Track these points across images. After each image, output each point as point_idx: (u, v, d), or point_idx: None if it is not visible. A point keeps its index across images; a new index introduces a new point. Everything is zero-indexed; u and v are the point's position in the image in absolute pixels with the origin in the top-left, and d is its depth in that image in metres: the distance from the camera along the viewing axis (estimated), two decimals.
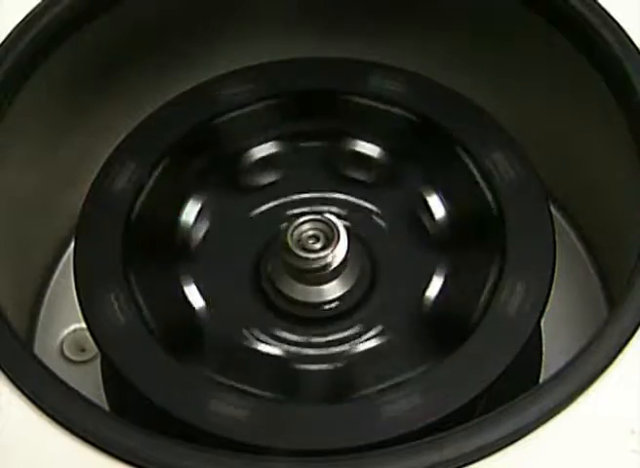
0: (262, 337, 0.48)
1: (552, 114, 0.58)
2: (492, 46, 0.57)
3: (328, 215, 0.47)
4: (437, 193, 0.50)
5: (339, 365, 0.47)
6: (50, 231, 0.61)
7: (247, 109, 0.52)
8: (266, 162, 0.52)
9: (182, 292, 0.49)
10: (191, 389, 0.44)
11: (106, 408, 0.53)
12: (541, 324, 0.48)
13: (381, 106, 0.51)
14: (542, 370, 0.54)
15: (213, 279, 0.50)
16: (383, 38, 0.58)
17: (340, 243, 0.46)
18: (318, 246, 0.47)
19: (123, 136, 0.52)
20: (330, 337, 0.48)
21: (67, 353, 0.60)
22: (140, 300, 0.48)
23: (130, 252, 0.48)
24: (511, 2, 0.53)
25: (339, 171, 0.52)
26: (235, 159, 0.52)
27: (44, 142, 0.56)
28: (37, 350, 0.59)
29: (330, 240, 0.46)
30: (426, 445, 0.40)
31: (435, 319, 0.48)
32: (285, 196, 0.52)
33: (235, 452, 0.40)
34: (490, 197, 0.48)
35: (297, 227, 0.47)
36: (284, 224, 0.49)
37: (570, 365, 0.41)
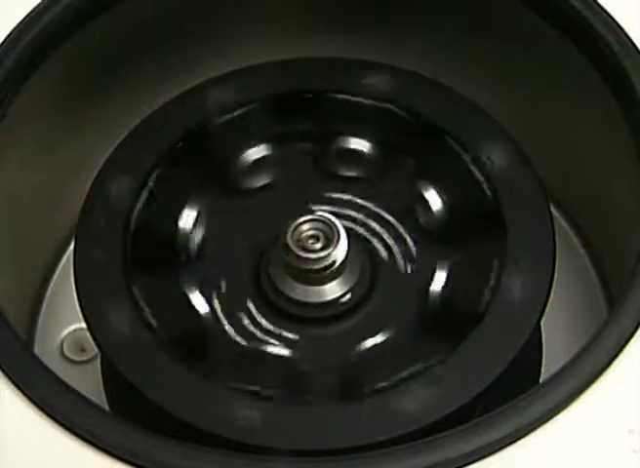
0: (262, 337, 0.49)
1: (552, 114, 0.58)
2: (492, 46, 0.57)
3: (328, 215, 0.47)
4: (432, 186, 0.50)
5: (340, 364, 0.47)
6: (50, 231, 0.61)
7: (234, 114, 0.52)
8: (259, 164, 0.52)
9: (184, 293, 0.49)
10: (191, 389, 0.44)
11: (106, 408, 0.53)
12: (541, 324, 0.48)
13: (369, 102, 0.51)
14: (542, 370, 0.54)
15: (212, 280, 0.50)
16: (383, 38, 0.59)
17: (340, 243, 0.46)
18: (318, 246, 0.47)
19: (119, 140, 0.52)
20: (332, 337, 0.48)
21: (67, 353, 0.60)
22: (141, 300, 0.48)
23: (130, 253, 0.48)
24: (511, 2, 0.53)
25: (331, 169, 0.52)
26: (227, 163, 0.52)
27: (44, 142, 0.56)
28: (37, 350, 0.59)
29: (330, 240, 0.46)
30: (426, 445, 0.40)
31: (438, 313, 0.48)
32: (280, 197, 0.52)
33: (235, 452, 0.40)
34: (485, 185, 0.48)
35: (297, 227, 0.47)
36: (284, 224, 0.49)
37: (570, 365, 0.41)
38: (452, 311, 0.48)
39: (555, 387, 0.40)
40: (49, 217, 0.60)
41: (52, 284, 0.62)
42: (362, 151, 0.52)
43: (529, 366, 0.53)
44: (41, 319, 0.61)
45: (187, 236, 0.50)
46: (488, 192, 0.49)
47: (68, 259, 0.61)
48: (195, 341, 0.48)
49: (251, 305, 0.49)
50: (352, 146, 0.52)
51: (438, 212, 0.50)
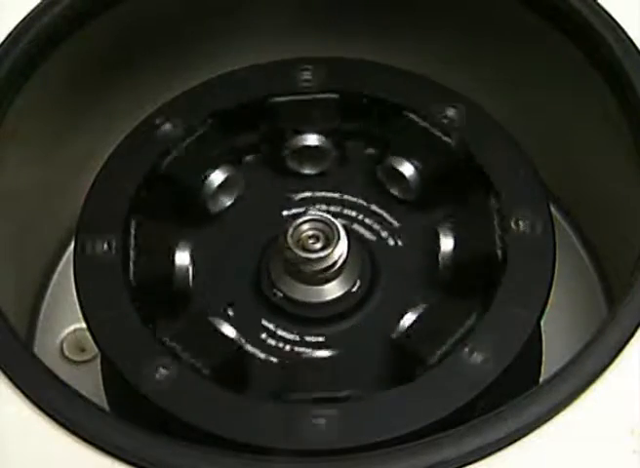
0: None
1: (552, 114, 0.58)
2: (492, 46, 0.57)
3: (328, 215, 0.47)
4: (401, 158, 0.50)
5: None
6: (50, 231, 0.61)
7: (184, 145, 0.51)
8: (225, 185, 0.51)
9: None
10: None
11: (106, 408, 0.53)
12: (541, 324, 0.48)
13: (434, 132, 0.51)
14: (542, 369, 0.54)
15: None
16: (383, 38, 0.59)
17: (340, 243, 0.46)
18: (318, 246, 0.47)
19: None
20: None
21: (67, 353, 0.60)
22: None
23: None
24: (511, 2, 0.53)
25: (294, 170, 0.52)
26: (195, 194, 0.51)
27: (44, 142, 0.56)
28: (37, 350, 0.59)
29: (330, 240, 0.46)
30: (426, 445, 0.40)
31: (452, 278, 0.48)
32: (253, 209, 0.52)
33: (235, 452, 0.40)
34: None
35: (297, 227, 0.47)
36: (267, 234, 0.49)
37: (570, 365, 0.41)
38: (464, 270, 0.48)
39: (555, 387, 0.40)
40: (49, 217, 0.60)
41: (52, 284, 0.62)
42: (317, 145, 0.52)
43: (529, 366, 0.53)
44: (41, 319, 0.61)
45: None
46: (452, 144, 0.49)
47: (68, 259, 0.61)
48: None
49: (265, 321, 0.49)
50: (306, 143, 0.52)
51: (413, 181, 0.50)
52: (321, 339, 0.48)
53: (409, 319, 0.47)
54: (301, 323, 0.49)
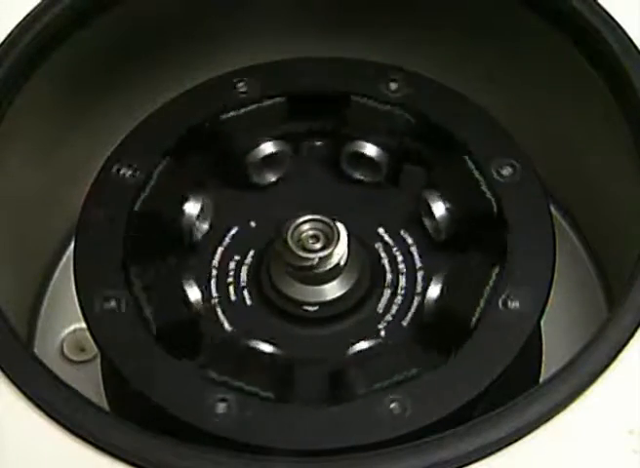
0: (261, 337, 0.49)
1: (552, 114, 0.58)
2: (492, 46, 0.57)
3: (328, 216, 0.47)
4: (438, 195, 0.50)
5: (337, 365, 0.47)
6: (50, 231, 0.61)
7: (251, 107, 0.52)
8: (269, 161, 0.52)
9: (183, 290, 0.49)
10: (191, 388, 0.44)
11: (106, 408, 0.53)
12: (541, 324, 0.48)
13: (385, 108, 0.51)
14: (542, 369, 0.54)
15: (214, 278, 0.50)
16: (383, 38, 0.59)
17: (340, 243, 0.46)
18: (318, 246, 0.47)
19: (123, 137, 0.52)
20: (329, 337, 0.48)
21: (67, 353, 0.60)
22: (141, 300, 0.48)
23: (131, 249, 0.48)
24: (511, 2, 0.53)
25: (341, 171, 0.52)
26: (238, 157, 0.51)
27: (44, 142, 0.56)
28: (37, 350, 0.59)
29: (330, 240, 0.46)
30: (426, 445, 0.40)
31: (434, 321, 0.48)
32: (287, 195, 0.52)
33: (235, 452, 0.40)
34: (491, 199, 0.48)
35: (297, 227, 0.47)
36: (284, 224, 0.49)
37: (570, 365, 0.41)
38: (446, 321, 0.48)
39: (555, 387, 0.40)
40: (49, 217, 0.60)
41: (52, 284, 0.62)
42: (374, 156, 0.51)
43: (529, 366, 0.53)
44: (41, 319, 0.61)
45: (192, 225, 0.50)
46: (492, 202, 0.49)
47: (68, 259, 0.61)
48: (194, 338, 0.48)
49: (248, 299, 0.49)
50: (364, 151, 0.51)
51: (442, 220, 0.50)
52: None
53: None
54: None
